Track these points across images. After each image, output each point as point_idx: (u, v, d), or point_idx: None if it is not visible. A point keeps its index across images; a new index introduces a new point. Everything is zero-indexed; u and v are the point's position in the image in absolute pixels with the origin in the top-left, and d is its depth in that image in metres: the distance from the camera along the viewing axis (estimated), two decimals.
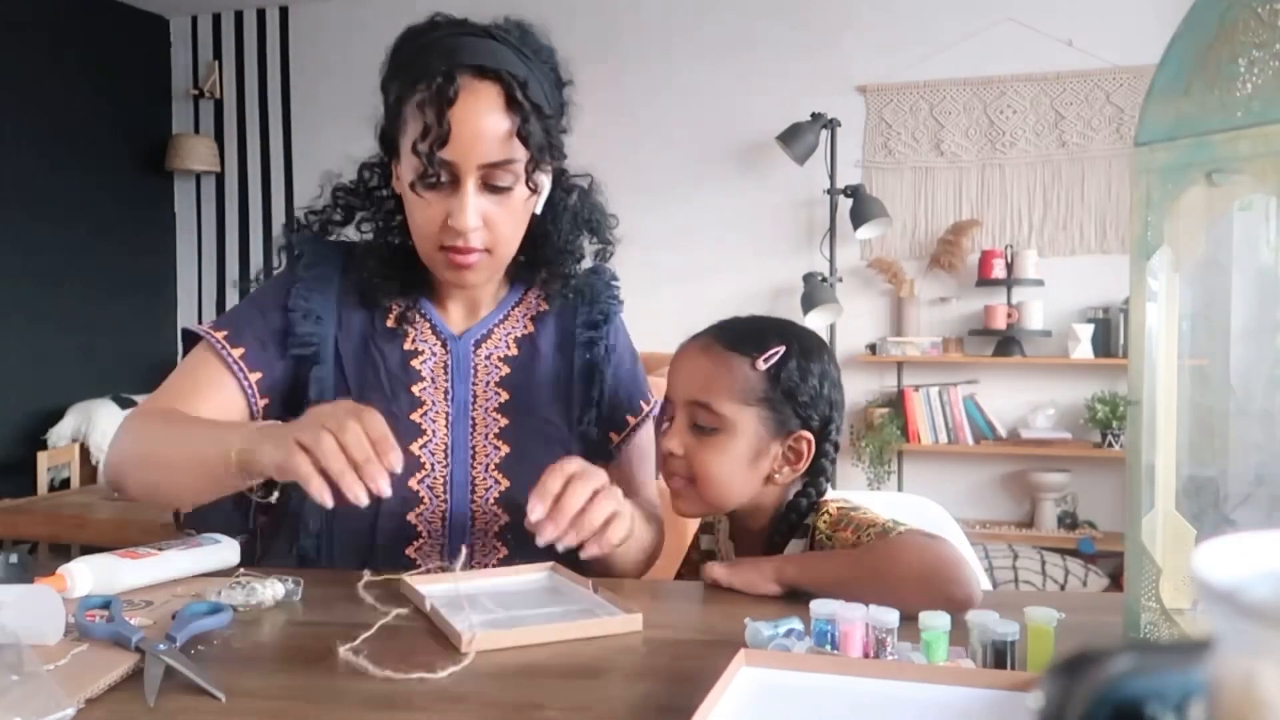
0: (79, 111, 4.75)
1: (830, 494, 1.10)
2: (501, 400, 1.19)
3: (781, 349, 1.04)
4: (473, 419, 1.17)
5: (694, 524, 1.26)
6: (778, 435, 1.05)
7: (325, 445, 0.85)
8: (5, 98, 4.40)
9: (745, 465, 1.04)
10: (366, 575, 1.01)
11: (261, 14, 5.16)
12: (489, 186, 1.08)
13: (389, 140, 1.14)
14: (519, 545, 1.13)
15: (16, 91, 4.45)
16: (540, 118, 1.08)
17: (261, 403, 1.14)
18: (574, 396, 1.23)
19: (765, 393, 1.04)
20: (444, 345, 1.20)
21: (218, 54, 5.24)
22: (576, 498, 0.93)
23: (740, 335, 1.07)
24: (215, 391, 1.12)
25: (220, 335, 1.14)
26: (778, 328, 1.09)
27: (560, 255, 1.21)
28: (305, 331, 1.15)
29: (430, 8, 1.15)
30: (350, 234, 1.23)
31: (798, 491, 1.08)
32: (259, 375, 1.14)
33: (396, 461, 0.87)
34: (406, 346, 1.18)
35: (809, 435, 1.06)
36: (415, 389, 1.17)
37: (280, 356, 1.15)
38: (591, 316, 1.26)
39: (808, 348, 1.07)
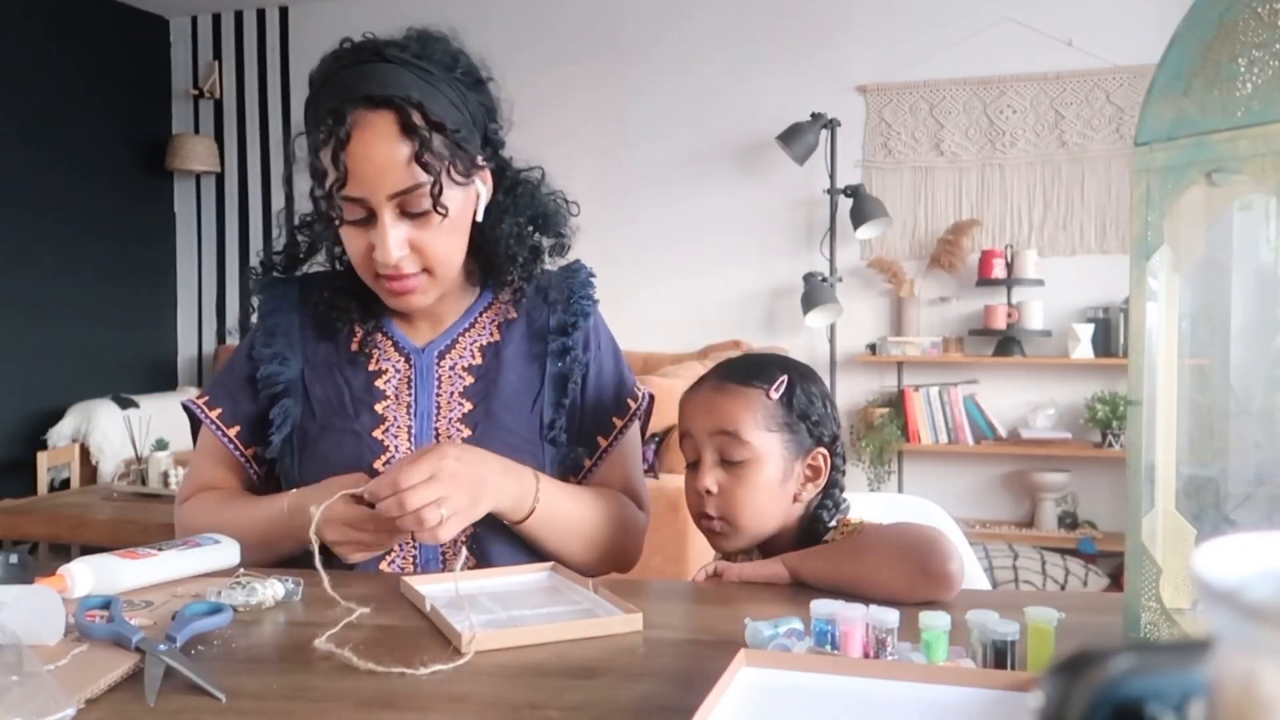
0: (79, 111, 4.75)
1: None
2: (466, 410, 1.17)
3: (785, 377, 1.11)
4: (436, 430, 1.16)
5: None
6: (798, 456, 1.11)
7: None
8: (5, 98, 4.40)
9: (777, 488, 1.09)
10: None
11: (261, 14, 5.16)
12: (407, 213, 1.08)
13: (318, 174, 1.12)
14: (483, 554, 1.13)
15: (16, 92, 4.45)
16: (444, 134, 1.06)
17: (249, 452, 1.21)
18: (543, 404, 1.21)
19: (783, 418, 1.10)
20: (407, 360, 1.20)
21: (218, 54, 5.25)
22: (417, 497, 0.97)
23: (746, 370, 1.12)
24: (222, 456, 1.22)
25: (202, 401, 1.23)
26: (774, 360, 1.16)
27: (506, 261, 1.19)
28: (270, 372, 1.19)
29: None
30: (321, 261, 1.25)
31: (818, 505, 1.13)
32: (236, 429, 1.21)
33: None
34: (371, 368, 1.19)
35: (824, 451, 1.12)
36: (378, 407, 1.17)
37: (252, 401, 1.21)
38: (564, 320, 1.23)
39: (804, 373, 1.15)
